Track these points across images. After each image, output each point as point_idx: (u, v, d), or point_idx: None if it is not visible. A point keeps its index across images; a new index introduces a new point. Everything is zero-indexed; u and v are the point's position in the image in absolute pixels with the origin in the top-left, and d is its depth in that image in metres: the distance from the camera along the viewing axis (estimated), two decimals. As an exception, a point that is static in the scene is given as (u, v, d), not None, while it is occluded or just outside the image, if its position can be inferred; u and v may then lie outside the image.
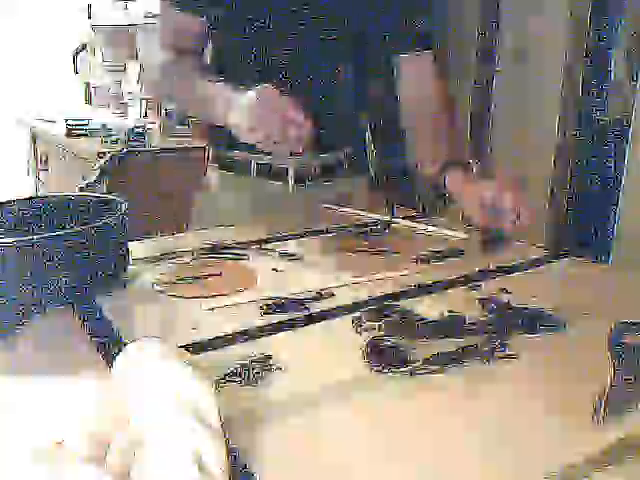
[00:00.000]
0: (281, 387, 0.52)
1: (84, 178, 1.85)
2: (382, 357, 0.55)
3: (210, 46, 1.10)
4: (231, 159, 1.10)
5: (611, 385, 0.50)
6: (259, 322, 0.64)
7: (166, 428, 0.39)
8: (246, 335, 0.61)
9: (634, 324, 0.62)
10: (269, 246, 0.88)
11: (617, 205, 1.36)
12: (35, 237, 0.63)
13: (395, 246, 0.89)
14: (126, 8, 2.78)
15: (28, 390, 0.51)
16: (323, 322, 0.65)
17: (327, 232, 0.97)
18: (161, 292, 0.72)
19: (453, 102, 1.18)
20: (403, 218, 1.02)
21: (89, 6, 2.92)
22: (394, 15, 1.06)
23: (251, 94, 0.87)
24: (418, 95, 1.11)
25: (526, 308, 0.67)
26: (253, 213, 1.08)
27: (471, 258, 0.86)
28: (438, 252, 0.86)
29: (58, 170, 2.71)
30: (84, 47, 3.03)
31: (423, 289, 0.74)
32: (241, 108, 0.87)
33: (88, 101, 3.24)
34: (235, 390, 0.51)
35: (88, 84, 3.20)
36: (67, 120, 2.45)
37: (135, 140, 2.19)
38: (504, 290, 0.73)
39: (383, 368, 0.54)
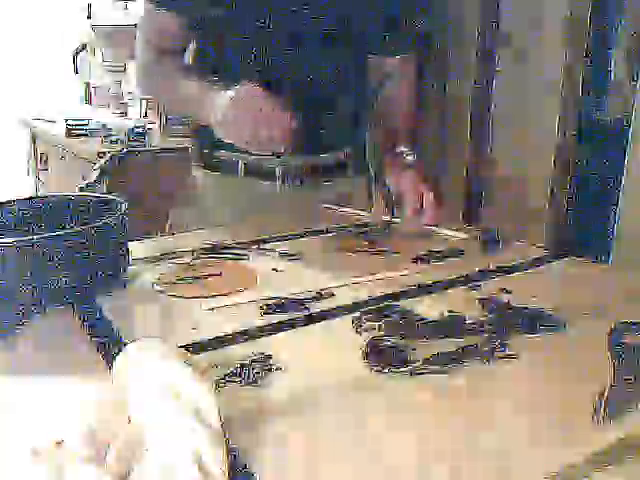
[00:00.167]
0: (281, 387, 0.52)
1: (84, 178, 1.85)
2: (382, 357, 0.55)
3: (193, 46, 1.09)
4: (217, 159, 1.09)
5: (611, 385, 0.50)
6: (259, 322, 0.64)
7: (166, 428, 0.39)
8: (246, 335, 0.61)
9: (634, 324, 0.62)
10: (269, 246, 0.89)
11: (617, 205, 1.36)
12: (35, 237, 0.63)
13: (395, 246, 0.89)
14: (126, 8, 2.79)
15: (28, 390, 0.51)
16: (323, 322, 0.65)
17: (327, 232, 0.97)
18: (161, 292, 0.72)
19: (414, 103, 1.19)
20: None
21: (89, 6, 2.93)
22: (374, 16, 1.06)
23: (231, 93, 0.87)
24: (387, 95, 1.14)
25: (526, 308, 0.67)
26: (245, 213, 1.07)
27: (471, 258, 0.86)
28: (438, 252, 0.86)
29: (58, 170, 2.71)
30: (84, 47, 3.03)
31: (423, 289, 0.74)
32: (221, 107, 0.88)
33: (88, 101, 3.25)
34: (235, 390, 0.51)
35: (88, 84, 3.20)
36: (67, 120, 2.45)
37: (135, 140, 2.19)
38: (504, 290, 0.73)
39: (383, 368, 0.54)
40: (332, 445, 0.44)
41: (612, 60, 1.35)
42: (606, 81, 1.36)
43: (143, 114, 2.64)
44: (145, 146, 2.18)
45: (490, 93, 1.61)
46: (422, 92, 1.72)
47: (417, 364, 0.55)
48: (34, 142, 2.97)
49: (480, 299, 0.70)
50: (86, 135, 2.42)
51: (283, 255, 0.84)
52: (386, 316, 0.64)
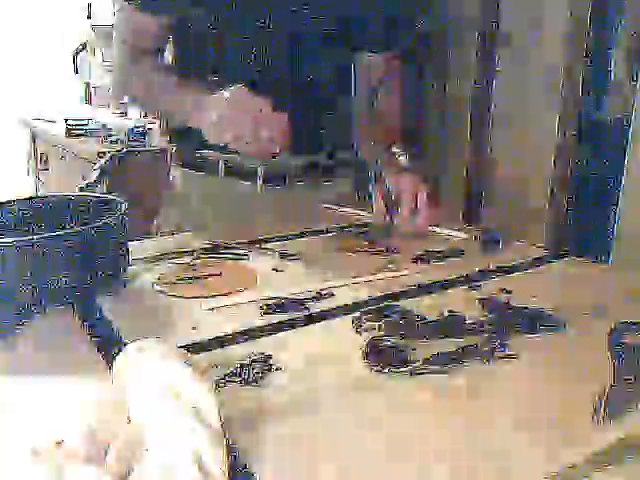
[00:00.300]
0: (281, 387, 0.52)
1: (84, 178, 1.85)
2: (382, 357, 0.55)
3: (172, 46, 1.08)
4: (202, 159, 1.09)
5: (611, 385, 0.50)
6: (259, 322, 0.64)
7: (166, 428, 0.39)
8: (246, 335, 0.61)
9: (634, 324, 0.62)
10: (269, 246, 0.89)
11: (617, 205, 1.35)
12: (35, 237, 0.63)
13: (395, 246, 0.89)
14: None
15: (28, 390, 0.51)
16: (323, 322, 0.65)
17: (327, 232, 0.97)
18: (161, 292, 0.72)
19: (401, 101, 1.20)
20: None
21: (89, 6, 2.93)
22: (367, 14, 1.06)
23: (226, 94, 0.87)
24: (371, 94, 1.14)
25: (526, 308, 0.67)
26: (236, 214, 1.07)
27: (471, 258, 0.86)
28: (438, 252, 0.86)
29: (58, 170, 2.71)
30: (84, 47, 3.03)
31: (423, 289, 0.74)
32: (212, 109, 0.88)
33: (88, 101, 3.25)
34: (235, 390, 0.51)
35: (88, 84, 3.20)
36: (67, 120, 2.45)
37: (135, 140, 2.19)
38: (504, 290, 0.73)
39: (383, 368, 0.54)
40: (332, 445, 0.44)
41: (612, 60, 1.35)
42: (606, 81, 1.36)
43: (143, 114, 2.64)
44: (145, 146, 2.19)
45: (490, 93, 1.61)
46: (422, 92, 1.72)
47: (417, 364, 0.54)
48: (34, 142, 2.97)
49: (480, 299, 0.70)
50: (86, 135, 2.42)
51: (283, 255, 0.84)
52: (386, 316, 0.64)
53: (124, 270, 0.75)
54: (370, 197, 0.99)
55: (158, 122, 2.35)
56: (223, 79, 0.93)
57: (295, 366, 0.55)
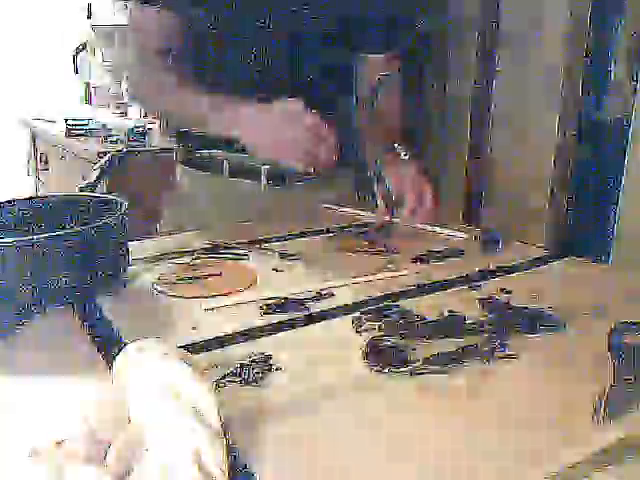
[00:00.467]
0: (281, 387, 0.52)
1: (84, 178, 1.86)
2: (382, 357, 0.55)
3: (186, 47, 1.04)
4: (205, 158, 1.08)
5: (611, 385, 0.50)
6: (259, 322, 0.64)
7: (166, 428, 0.39)
8: (246, 335, 0.61)
9: (634, 324, 0.62)
10: (269, 246, 0.89)
11: (617, 205, 1.35)
12: (35, 237, 0.63)
13: (395, 246, 0.89)
14: (126, 8, 2.78)
15: (28, 390, 0.51)
16: (323, 322, 0.65)
17: (327, 232, 0.97)
18: (161, 292, 0.72)
19: (401, 101, 1.20)
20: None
21: (89, 6, 2.93)
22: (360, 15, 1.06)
23: (279, 108, 0.86)
24: (372, 94, 1.13)
25: (526, 308, 0.67)
26: (239, 214, 1.06)
27: (471, 258, 0.86)
28: (438, 252, 0.86)
29: (58, 170, 2.71)
30: (84, 47, 3.03)
31: (423, 289, 0.74)
32: (265, 126, 0.86)
33: (88, 101, 3.25)
34: (235, 390, 0.51)
35: (88, 84, 3.20)
36: (67, 120, 2.45)
37: (135, 140, 2.19)
38: (504, 290, 0.73)
39: (383, 368, 0.54)
40: (332, 445, 0.44)
41: (612, 60, 1.35)
42: (606, 81, 1.36)
43: (143, 114, 2.64)
44: (145, 146, 2.18)
45: (490, 93, 1.61)
46: (422, 92, 1.72)
47: (417, 364, 0.54)
48: (34, 142, 2.97)
49: (480, 299, 0.70)
50: (86, 135, 2.42)
51: (283, 255, 0.84)
52: (386, 316, 0.64)
53: (124, 270, 0.75)
54: (373, 196, 0.99)
55: (158, 122, 2.35)
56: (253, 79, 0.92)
57: (295, 366, 0.55)
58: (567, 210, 1.48)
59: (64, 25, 3.08)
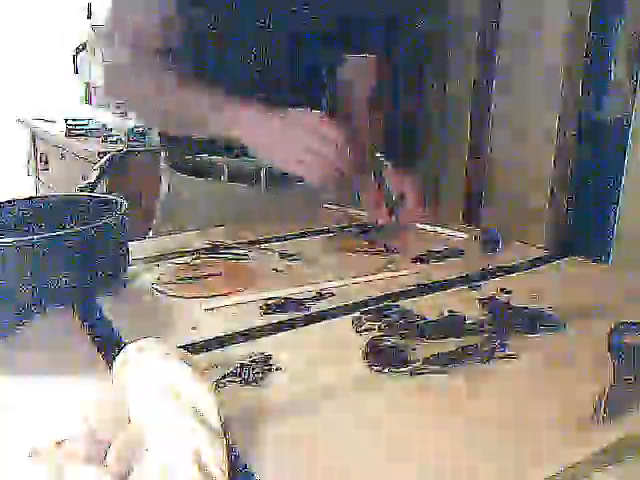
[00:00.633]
0: (281, 387, 0.52)
1: (84, 178, 1.86)
2: (382, 357, 0.55)
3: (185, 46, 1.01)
4: (201, 164, 1.05)
5: (611, 385, 0.50)
6: (259, 322, 0.64)
7: (166, 428, 0.39)
8: (246, 335, 0.61)
9: (634, 324, 0.62)
10: (269, 246, 0.89)
11: (617, 205, 1.36)
12: (35, 237, 0.63)
13: (395, 246, 0.89)
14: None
15: (28, 390, 0.51)
16: (323, 322, 0.65)
17: (327, 232, 0.97)
18: (161, 292, 0.72)
19: (379, 104, 1.19)
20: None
21: (89, 6, 2.92)
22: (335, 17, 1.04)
23: (307, 120, 0.83)
24: (351, 97, 1.12)
25: (526, 308, 0.67)
26: (239, 217, 1.04)
27: (471, 258, 0.86)
28: (438, 252, 0.86)
29: (58, 170, 2.71)
30: (84, 47, 3.03)
31: (423, 289, 0.74)
32: (288, 140, 0.84)
33: (88, 101, 3.24)
34: (235, 390, 0.51)
35: (88, 84, 3.20)
36: (67, 120, 2.46)
37: (135, 140, 2.19)
38: (504, 290, 0.73)
39: (383, 368, 0.54)
40: (332, 445, 0.44)
41: (612, 60, 1.35)
42: (606, 81, 1.36)
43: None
44: (145, 146, 2.18)
45: (490, 93, 1.61)
46: (422, 92, 1.72)
47: (417, 364, 0.55)
48: (34, 142, 2.98)
49: (480, 299, 0.70)
50: (86, 135, 2.42)
51: (283, 255, 0.84)
52: (386, 316, 0.64)
53: (124, 270, 0.75)
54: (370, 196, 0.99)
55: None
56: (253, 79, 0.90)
57: (295, 366, 0.55)
58: (567, 210, 1.48)
59: (64, 25, 3.08)
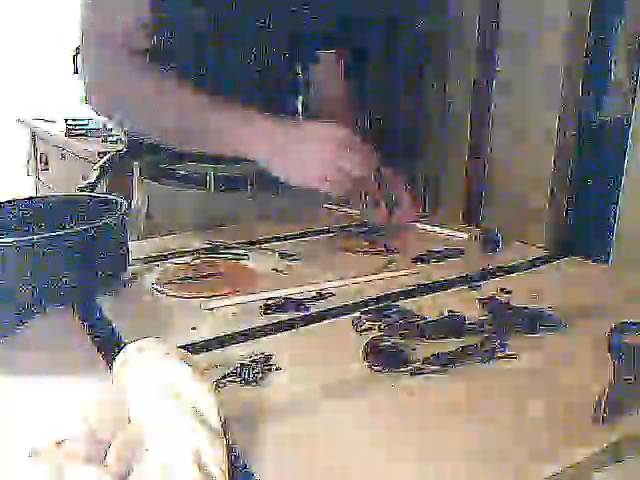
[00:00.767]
0: (281, 387, 0.52)
1: (84, 178, 1.85)
2: (382, 357, 0.55)
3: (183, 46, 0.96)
4: (194, 173, 1.02)
5: (611, 385, 0.50)
6: (259, 322, 0.64)
7: (166, 428, 0.39)
8: (246, 335, 0.61)
9: (634, 324, 0.62)
10: (269, 246, 0.89)
11: (617, 205, 1.35)
12: (35, 237, 0.63)
13: (395, 246, 0.89)
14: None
15: (28, 390, 0.51)
16: (323, 322, 0.65)
17: (327, 232, 0.97)
18: (161, 292, 0.72)
19: (350, 103, 1.18)
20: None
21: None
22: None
23: (329, 140, 0.79)
24: (325, 93, 1.12)
25: (526, 308, 0.67)
26: (233, 218, 1.03)
27: (471, 258, 0.86)
28: (438, 252, 0.86)
29: (58, 170, 2.71)
30: (84, 47, 3.03)
31: (423, 289, 0.74)
32: (313, 158, 0.80)
33: (88, 101, 3.24)
34: (235, 390, 0.51)
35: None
36: (67, 120, 2.45)
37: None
38: (504, 290, 0.73)
39: (383, 368, 0.54)
40: (332, 445, 0.44)
41: (612, 60, 1.35)
42: (606, 81, 1.36)
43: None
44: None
45: (490, 93, 1.61)
46: (422, 92, 1.72)
47: (417, 364, 0.55)
48: (34, 142, 2.97)
49: (480, 299, 0.70)
50: (86, 135, 2.42)
51: (283, 255, 0.84)
52: (386, 316, 0.64)
53: (124, 270, 0.75)
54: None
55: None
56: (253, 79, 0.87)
57: (295, 366, 0.55)
58: (567, 210, 1.48)
59: (64, 25, 3.08)
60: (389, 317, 0.64)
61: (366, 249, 0.88)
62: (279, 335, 0.62)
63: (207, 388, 0.43)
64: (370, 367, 0.55)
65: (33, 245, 0.63)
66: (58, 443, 0.38)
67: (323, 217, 1.05)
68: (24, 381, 0.53)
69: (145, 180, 1.08)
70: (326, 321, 0.65)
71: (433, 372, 0.54)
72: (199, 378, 0.44)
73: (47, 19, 3.12)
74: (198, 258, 0.83)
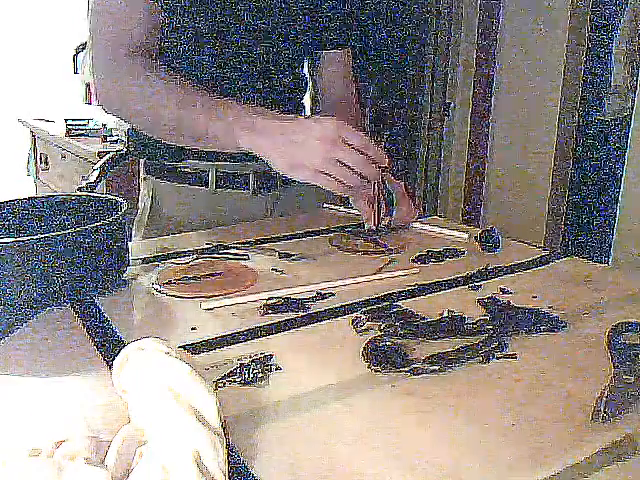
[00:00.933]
0: (281, 387, 0.52)
1: (84, 178, 1.85)
2: (382, 357, 0.55)
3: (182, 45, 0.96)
4: (194, 170, 1.03)
5: (611, 385, 0.50)
6: (259, 322, 0.64)
7: (166, 428, 0.39)
8: (246, 335, 0.61)
9: (634, 324, 0.62)
10: (269, 246, 0.89)
11: (617, 205, 1.36)
12: (35, 237, 0.63)
13: (395, 246, 0.89)
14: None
15: (28, 390, 0.51)
16: (323, 322, 0.65)
17: (327, 232, 0.97)
18: (161, 292, 0.72)
19: (358, 100, 1.17)
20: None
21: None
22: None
23: (324, 133, 0.76)
24: (332, 92, 1.11)
25: (526, 308, 0.67)
26: (232, 219, 1.03)
27: (471, 258, 0.86)
28: (438, 252, 0.86)
29: (58, 170, 2.71)
30: (84, 47, 3.03)
31: (423, 289, 0.74)
32: (310, 152, 0.77)
33: (88, 101, 3.24)
34: (235, 390, 0.51)
35: (88, 84, 3.20)
36: (67, 120, 2.45)
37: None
38: (504, 290, 0.73)
39: (383, 368, 0.54)
40: (332, 445, 0.44)
41: (612, 60, 1.35)
42: (606, 81, 1.36)
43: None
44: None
45: (490, 93, 1.61)
46: (422, 93, 1.73)
47: (417, 364, 0.55)
48: (34, 142, 2.97)
49: (480, 299, 0.70)
50: (86, 135, 2.42)
51: (283, 255, 0.84)
52: (386, 316, 0.64)
53: (124, 270, 0.75)
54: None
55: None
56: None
57: (295, 366, 0.55)
58: (567, 210, 1.48)
59: (64, 25, 3.08)
60: (389, 317, 0.64)
61: (366, 249, 0.88)
62: (279, 335, 0.62)
63: (207, 388, 0.43)
64: (370, 367, 0.55)
65: (33, 245, 0.63)
66: (58, 443, 0.39)
67: (323, 217, 1.05)
68: (24, 381, 0.53)
69: (149, 176, 1.09)
70: (326, 321, 0.65)
71: (433, 372, 0.54)
72: (199, 378, 0.44)
73: (47, 19, 3.12)
74: (198, 258, 0.83)
